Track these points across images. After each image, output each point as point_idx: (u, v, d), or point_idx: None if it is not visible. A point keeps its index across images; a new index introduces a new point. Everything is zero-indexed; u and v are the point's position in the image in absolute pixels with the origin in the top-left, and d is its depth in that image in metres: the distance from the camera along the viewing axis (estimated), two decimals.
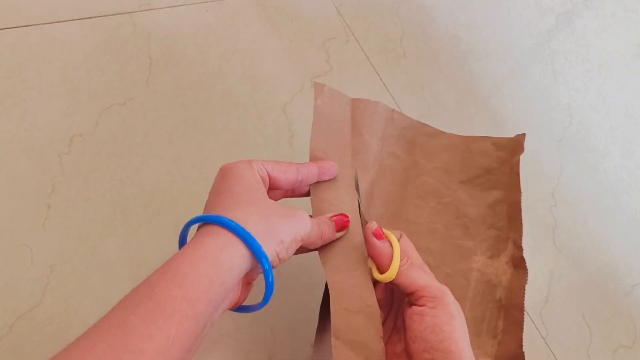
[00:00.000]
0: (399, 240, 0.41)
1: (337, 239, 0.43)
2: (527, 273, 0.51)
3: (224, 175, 0.40)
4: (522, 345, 0.49)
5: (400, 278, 0.39)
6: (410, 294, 0.38)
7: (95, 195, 0.57)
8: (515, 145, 0.57)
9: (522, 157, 0.75)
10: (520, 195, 0.55)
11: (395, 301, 0.43)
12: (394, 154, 0.55)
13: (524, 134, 0.56)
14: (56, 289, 0.51)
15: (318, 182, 0.46)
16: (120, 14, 0.69)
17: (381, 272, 0.39)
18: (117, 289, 0.52)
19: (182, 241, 0.39)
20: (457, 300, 0.50)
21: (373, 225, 0.40)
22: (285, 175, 0.42)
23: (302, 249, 0.41)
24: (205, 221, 0.36)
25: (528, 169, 0.74)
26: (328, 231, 0.42)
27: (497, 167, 0.57)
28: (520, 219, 0.54)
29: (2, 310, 0.49)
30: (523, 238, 0.67)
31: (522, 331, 0.49)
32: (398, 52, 0.81)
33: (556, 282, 0.66)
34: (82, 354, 0.28)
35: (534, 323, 0.62)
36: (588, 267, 0.68)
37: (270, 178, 0.41)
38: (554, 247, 0.68)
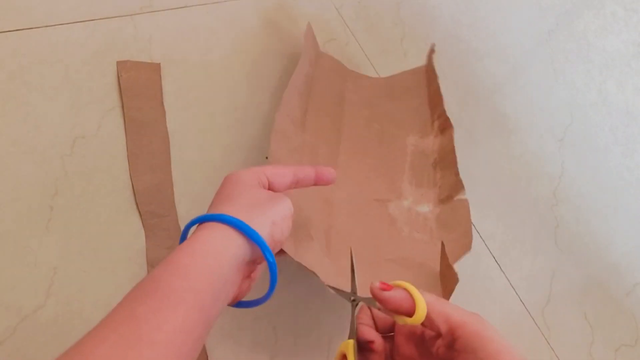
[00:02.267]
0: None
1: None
2: (452, 128, 0.62)
3: (225, 182, 0.42)
4: (457, 173, 0.59)
5: (432, 312, 0.35)
6: (446, 333, 0.35)
7: (98, 196, 0.57)
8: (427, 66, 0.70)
9: (523, 156, 0.75)
10: (438, 80, 0.66)
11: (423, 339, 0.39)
12: (327, 76, 0.66)
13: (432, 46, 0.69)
14: (60, 291, 0.51)
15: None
16: (122, 16, 0.70)
17: (411, 316, 0.35)
18: (120, 290, 0.52)
19: (183, 240, 0.40)
20: (395, 162, 0.62)
21: (376, 283, 0.37)
22: (283, 180, 0.44)
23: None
24: (200, 221, 0.38)
25: (529, 168, 0.74)
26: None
27: (416, 85, 0.70)
28: (442, 98, 0.64)
29: (6, 312, 0.49)
30: (524, 238, 0.67)
31: (455, 164, 0.59)
32: (399, 53, 0.81)
33: (558, 282, 0.66)
34: (96, 344, 0.28)
35: (536, 322, 0.62)
36: (590, 266, 0.68)
37: (269, 183, 0.43)
38: (556, 247, 0.68)
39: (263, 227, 0.37)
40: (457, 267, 0.52)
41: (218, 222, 0.36)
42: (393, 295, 0.36)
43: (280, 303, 0.56)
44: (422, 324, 0.35)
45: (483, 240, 0.66)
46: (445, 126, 0.64)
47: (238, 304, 0.41)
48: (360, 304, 0.41)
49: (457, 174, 0.59)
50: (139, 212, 0.57)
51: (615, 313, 0.66)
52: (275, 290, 0.39)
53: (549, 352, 0.61)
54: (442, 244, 0.52)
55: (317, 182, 0.47)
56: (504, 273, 0.65)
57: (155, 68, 0.66)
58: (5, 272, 0.51)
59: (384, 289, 0.36)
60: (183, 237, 0.40)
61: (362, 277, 0.48)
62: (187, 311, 0.31)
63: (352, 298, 0.42)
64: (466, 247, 0.53)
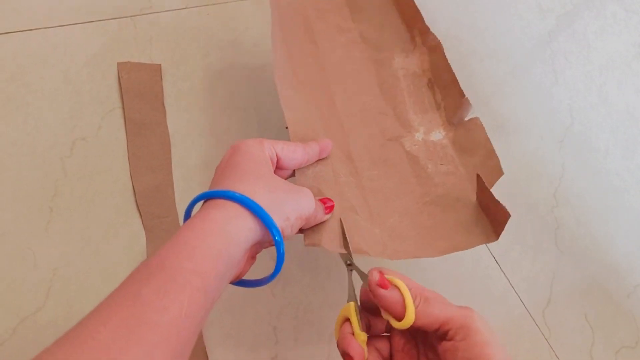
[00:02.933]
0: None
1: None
2: (442, 46, 0.60)
3: (233, 151, 0.40)
4: (462, 93, 0.56)
5: (420, 320, 0.36)
6: (436, 330, 0.36)
7: (97, 198, 0.57)
8: None
9: (523, 157, 0.75)
10: None
11: (420, 341, 0.40)
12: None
13: None
14: (59, 292, 0.51)
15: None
16: (122, 17, 0.70)
17: (399, 320, 0.36)
18: None
19: (188, 217, 0.39)
20: (392, 93, 0.59)
21: (375, 277, 0.37)
22: (294, 155, 0.42)
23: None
24: (213, 197, 0.36)
25: (529, 170, 0.74)
26: (320, 213, 0.42)
27: (383, 1, 0.66)
28: (419, 12, 0.62)
29: (5, 313, 0.49)
30: (524, 239, 0.67)
31: (457, 82, 0.58)
32: None
33: (558, 283, 0.66)
34: (97, 326, 0.28)
35: (536, 324, 0.62)
36: (590, 267, 0.68)
37: (279, 158, 0.41)
38: (556, 248, 0.68)
39: (276, 219, 0.36)
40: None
41: (231, 200, 0.35)
42: (386, 295, 0.36)
43: (281, 303, 0.56)
44: (412, 325, 0.36)
45: None
46: (432, 43, 0.62)
47: (240, 282, 0.39)
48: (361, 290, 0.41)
49: (461, 93, 0.57)
50: (140, 213, 0.57)
51: (616, 314, 0.65)
52: (277, 277, 0.39)
53: (549, 353, 0.61)
54: (478, 176, 0.49)
55: (321, 154, 0.46)
56: (504, 274, 0.64)
57: (156, 69, 0.66)
58: (5, 274, 0.51)
59: (380, 286, 0.36)
60: (187, 212, 0.38)
61: (411, 231, 0.49)
62: (192, 294, 0.30)
63: (348, 262, 0.42)
64: (495, 169, 0.52)
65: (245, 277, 0.40)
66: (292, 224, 0.38)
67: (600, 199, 0.75)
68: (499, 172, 0.52)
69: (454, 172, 0.55)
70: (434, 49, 0.62)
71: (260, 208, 0.35)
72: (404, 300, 0.36)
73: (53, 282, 0.51)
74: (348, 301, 0.39)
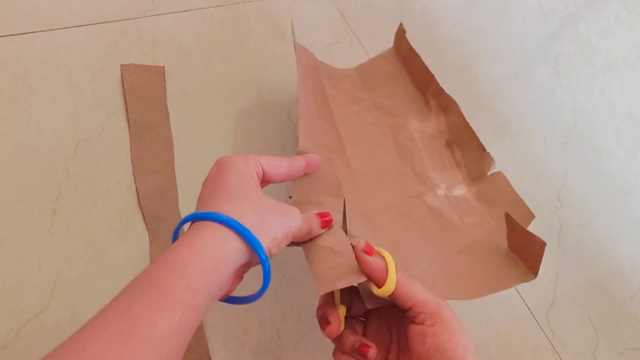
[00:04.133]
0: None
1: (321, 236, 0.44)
2: (457, 105, 0.59)
3: (219, 168, 0.40)
4: (483, 147, 0.57)
5: (399, 291, 0.38)
6: (409, 309, 0.38)
7: (101, 200, 0.57)
8: (399, 42, 0.67)
9: (526, 159, 0.75)
10: (421, 59, 0.62)
11: (394, 325, 0.43)
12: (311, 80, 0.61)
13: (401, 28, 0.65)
14: (62, 294, 0.51)
15: (301, 177, 0.47)
16: (125, 19, 0.70)
17: (379, 287, 0.38)
18: None
19: (176, 237, 0.39)
20: (410, 154, 0.59)
21: (361, 243, 0.39)
22: (279, 171, 0.43)
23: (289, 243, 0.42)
24: (201, 219, 0.36)
25: (533, 171, 0.74)
26: (315, 227, 0.43)
27: (393, 68, 0.66)
28: (432, 75, 0.61)
29: (9, 315, 0.49)
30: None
31: (476, 138, 0.57)
32: None
33: (562, 285, 0.66)
34: (90, 339, 0.28)
35: (540, 325, 0.62)
36: (594, 269, 0.68)
37: (264, 173, 0.42)
38: (560, 250, 0.68)
39: (263, 240, 0.36)
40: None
41: (220, 223, 0.35)
42: (371, 262, 0.38)
43: (284, 306, 0.56)
44: (389, 296, 0.38)
45: None
46: (447, 104, 0.61)
47: (229, 299, 0.40)
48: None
49: (482, 147, 0.56)
50: (143, 215, 0.57)
51: (620, 316, 0.65)
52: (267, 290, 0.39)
53: (553, 355, 0.61)
54: (507, 215, 0.49)
55: (307, 170, 0.47)
56: None
57: (159, 71, 0.66)
58: (8, 275, 0.51)
59: (366, 252, 0.38)
60: (175, 234, 0.39)
61: (442, 278, 0.49)
62: (183, 310, 0.31)
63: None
64: (526, 215, 0.52)
65: (234, 294, 0.40)
66: (279, 243, 0.38)
67: (604, 200, 0.75)
68: (530, 216, 0.52)
69: (482, 223, 0.54)
70: (450, 109, 0.61)
71: (247, 230, 0.35)
72: (387, 269, 0.38)
73: (56, 284, 0.52)
74: None
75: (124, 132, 0.61)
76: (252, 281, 0.43)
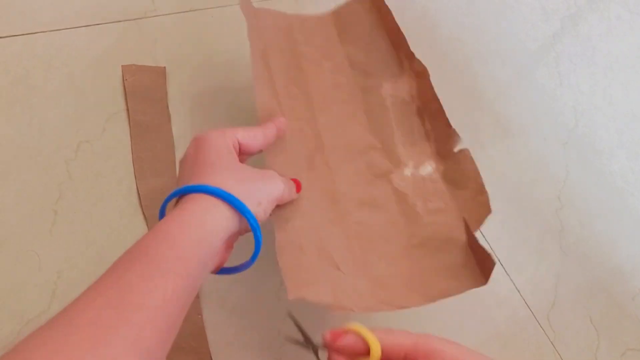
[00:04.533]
0: None
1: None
2: (428, 73, 0.58)
3: (198, 145, 0.41)
4: (449, 124, 0.55)
5: (386, 347, 0.34)
6: (404, 357, 0.34)
7: (102, 201, 0.57)
8: None
9: (527, 159, 0.75)
10: (393, 17, 0.61)
11: None
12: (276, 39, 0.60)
13: None
14: (64, 295, 0.51)
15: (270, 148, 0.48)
16: (127, 20, 0.70)
17: (367, 356, 0.34)
18: None
19: (162, 215, 0.40)
20: (380, 125, 0.58)
21: (326, 336, 0.35)
22: (255, 142, 0.44)
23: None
24: (187, 192, 0.37)
25: (534, 171, 0.74)
26: (292, 191, 0.44)
27: (367, 15, 0.64)
28: (402, 35, 0.60)
29: (10, 316, 0.49)
30: (529, 241, 0.67)
31: (444, 115, 0.56)
32: None
33: (563, 286, 0.66)
34: (83, 307, 0.29)
35: (541, 326, 0.62)
36: (595, 270, 0.68)
37: (240, 145, 0.43)
38: (561, 250, 0.68)
39: (250, 207, 0.37)
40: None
41: (206, 193, 0.36)
42: (345, 343, 0.35)
43: (286, 306, 0.56)
44: (382, 356, 0.35)
45: (488, 243, 0.65)
46: (419, 69, 0.60)
47: (222, 270, 0.41)
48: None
49: (448, 124, 0.56)
50: (144, 215, 0.57)
51: (621, 317, 0.65)
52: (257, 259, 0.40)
53: (554, 355, 0.60)
54: (465, 222, 0.49)
55: (278, 134, 0.47)
56: (509, 276, 0.64)
57: (160, 72, 0.66)
58: (9, 276, 0.51)
59: (335, 339, 0.35)
60: (162, 211, 0.39)
61: (397, 280, 0.49)
62: (175, 279, 0.31)
63: (311, 347, 0.40)
64: (484, 206, 0.52)
65: (226, 265, 0.41)
66: (265, 208, 0.40)
67: (605, 200, 0.75)
68: (487, 210, 0.52)
69: (444, 210, 0.55)
70: (420, 76, 0.60)
71: (234, 197, 0.36)
72: (361, 335, 0.35)
73: (57, 284, 0.52)
74: None
75: (125, 133, 0.62)
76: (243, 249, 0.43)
